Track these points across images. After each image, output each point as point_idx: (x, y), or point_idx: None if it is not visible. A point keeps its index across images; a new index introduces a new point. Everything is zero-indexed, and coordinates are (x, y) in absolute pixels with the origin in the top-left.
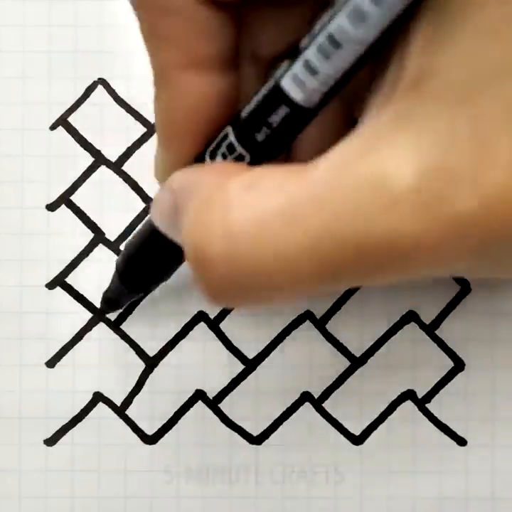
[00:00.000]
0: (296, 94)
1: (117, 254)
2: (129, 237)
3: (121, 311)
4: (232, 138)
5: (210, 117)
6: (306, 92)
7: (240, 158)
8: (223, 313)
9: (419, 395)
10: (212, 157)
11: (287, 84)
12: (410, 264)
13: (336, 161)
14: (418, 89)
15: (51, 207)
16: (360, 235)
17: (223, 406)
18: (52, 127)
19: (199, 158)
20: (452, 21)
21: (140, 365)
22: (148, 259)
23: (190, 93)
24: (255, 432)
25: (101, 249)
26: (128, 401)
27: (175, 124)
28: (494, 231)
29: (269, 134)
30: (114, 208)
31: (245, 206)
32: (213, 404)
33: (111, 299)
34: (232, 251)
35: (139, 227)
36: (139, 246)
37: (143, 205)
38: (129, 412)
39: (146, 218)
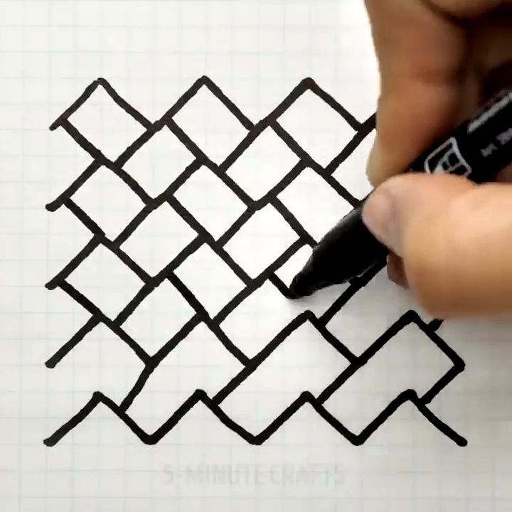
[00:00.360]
0: None
1: (117, 255)
2: (332, 227)
3: (302, 296)
4: (455, 149)
5: (433, 126)
6: None
7: (460, 171)
8: (223, 313)
9: (419, 395)
10: (432, 166)
11: None
12: None
13: None
14: None
15: (51, 207)
16: None
17: (223, 406)
18: (52, 127)
19: (416, 165)
20: None
21: (140, 365)
22: (348, 251)
23: (417, 102)
24: (255, 432)
25: (101, 249)
26: (128, 401)
27: (398, 128)
28: None
29: (495, 150)
30: (114, 207)
31: (472, 225)
32: (213, 404)
33: (302, 284)
34: (457, 267)
35: (344, 217)
36: (342, 237)
37: (143, 205)
38: (129, 412)
39: (353, 211)
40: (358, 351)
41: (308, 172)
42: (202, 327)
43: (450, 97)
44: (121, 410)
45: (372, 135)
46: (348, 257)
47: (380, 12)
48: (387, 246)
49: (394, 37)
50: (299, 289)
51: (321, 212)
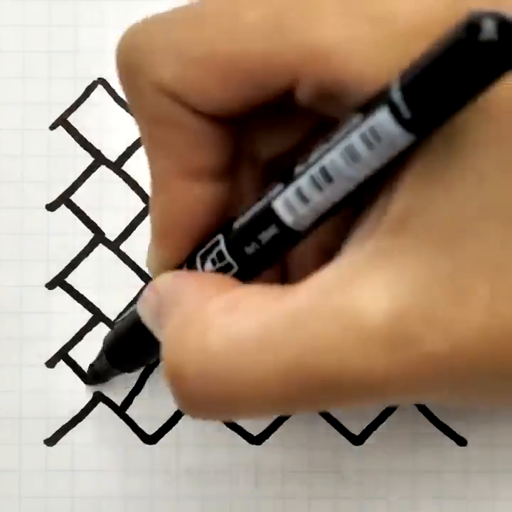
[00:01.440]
0: (286, 217)
1: (117, 255)
2: (121, 317)
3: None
4: (222, 247)
5: (203, 222)
6: (296, 217)
7: (228, 267)
8: None
9: None
10: (203, 261)
11: (279, 206)
12: (379, 398)
13: (313, 291)
14: (402, 227)
15: (51, 207)
16: (330, 370)
17: None
18: (52, 127)
19: (189, 261)
20: (443, 163)
21: None
22: (134, 343)
23: (184, 199)
24: (255, 432)
25: (101, 249)
26: (128, 401)
27: (168, 225)
28: (464, 373)
29: (258, 249)
30: (114, 207)
31: (222, 329)
32: None
33: (97, 373)
34: (206, 372)
35: (130, 310)
36: (127, 329)
37: (143, 205)
38: (129, 412)
39: (135, 306)
40: None
41: None
42: None
43: (219, 192)
44: (121, 410)
45: None
46: (134, 348)
47: (139, 112)
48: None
49: (154, 137)
50: (95, 376)
51: None
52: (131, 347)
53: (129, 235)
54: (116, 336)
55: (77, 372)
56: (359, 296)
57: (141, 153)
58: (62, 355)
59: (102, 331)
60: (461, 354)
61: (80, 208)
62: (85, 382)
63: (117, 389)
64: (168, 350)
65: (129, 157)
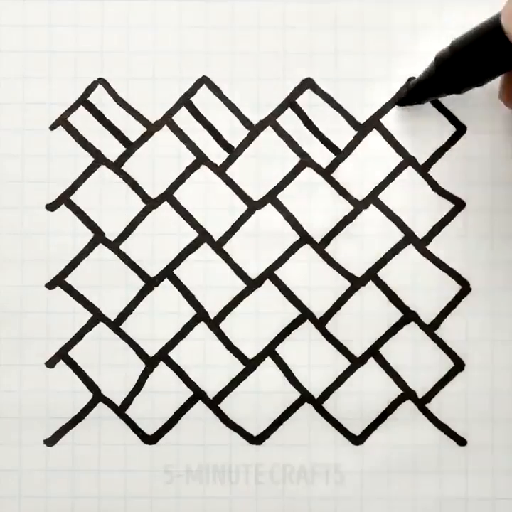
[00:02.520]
0: None
1: (117, 255)
2: (461, 34)
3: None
4: None
5: None
6: None
7: None
8: (223, 313)
9: (419, 395)
10: None
11: None
12: None
13: None
14: None
15: (51, 207)
16: None
17: (223, 406)
18: (52, 127)
19: None
20: None
21: (140, 365)
22: (477, 58)
23: None
24: (255, 432)
25: (101, 249)
26: (128, 401)
27: None
28: None
29: None
30: (114, 207)
31: None
32: (213, 404)
33: (419, 91)
34: None
35: (477, 25)
36: (472, 42)
37: (143, 205)
38: (129, 412)
39: (486, 20)
40: (358, 351)
41: (308, 172)
42: (202, 327)
43: None
44: (121, 410)
45: (372, 135)
46: (476, 63)
47: None
48: None
49: None
50: (414, 95)
51: (321, 212)
52: (472, 62)
53: (129, 235)
54: (454, 49)
55: (77, 372)
56: None
57: (141, 153)
58: (62, 355)
59: (101, 330)
60: None
61: (80, 208)
62: (398, 103)
63: (117, 389)
64: None
65: (129, 157)
